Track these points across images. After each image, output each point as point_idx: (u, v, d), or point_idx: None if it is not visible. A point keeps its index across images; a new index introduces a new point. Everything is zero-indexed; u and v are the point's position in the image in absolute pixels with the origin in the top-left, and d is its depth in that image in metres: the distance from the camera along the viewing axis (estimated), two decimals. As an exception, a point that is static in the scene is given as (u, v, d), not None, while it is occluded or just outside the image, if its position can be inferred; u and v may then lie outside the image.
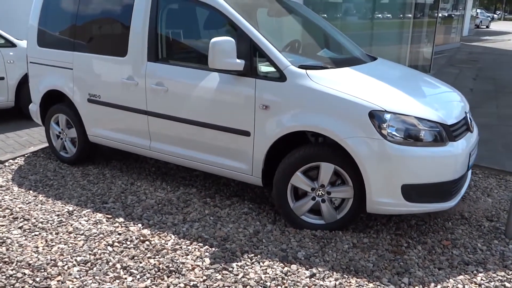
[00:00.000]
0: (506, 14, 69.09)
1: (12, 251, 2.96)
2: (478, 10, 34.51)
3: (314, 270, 2.71)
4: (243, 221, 3.38)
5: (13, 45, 6.22)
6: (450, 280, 2.64)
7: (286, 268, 2.74)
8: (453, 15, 17.33)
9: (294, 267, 2.76)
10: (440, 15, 10.97)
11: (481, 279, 2.66)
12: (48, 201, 3.76)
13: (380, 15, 8.47)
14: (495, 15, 53.78)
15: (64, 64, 4.35)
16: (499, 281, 2.65)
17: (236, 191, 3.98)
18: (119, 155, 4.89)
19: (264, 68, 3.25)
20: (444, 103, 3.28)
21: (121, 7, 3.93)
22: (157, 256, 2.88)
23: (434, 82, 3.71)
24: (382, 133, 2.85)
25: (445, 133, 2.95)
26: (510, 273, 2.72)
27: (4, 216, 3.46)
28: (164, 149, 3.83)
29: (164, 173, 4.42)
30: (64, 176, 4.33)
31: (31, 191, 3.97)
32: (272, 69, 3.19)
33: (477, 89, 8.96)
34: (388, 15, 9.20)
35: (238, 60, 3.17)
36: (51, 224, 3.34)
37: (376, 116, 2.87)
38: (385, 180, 2.88)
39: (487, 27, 36.23)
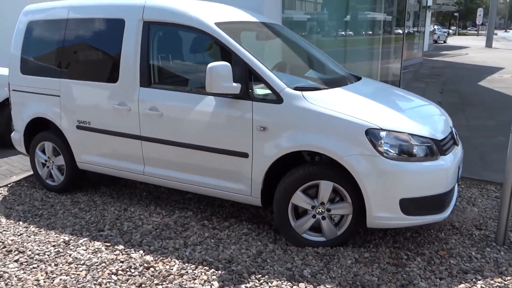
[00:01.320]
0: (460, 29, 72.66)
1: (12, 285, 2.88)
2: (435, 26, 36.16)
3: (322, 287, 2.77)
4: (244, 242, 3.40)
5: (-12, 72, 6.06)
6: (453, 289, 2.76)
7: (295, 287, 2.78)
8: (415, 31, 18.10)
9: (302, 285, 2.81)
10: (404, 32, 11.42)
11: (481, 287, 2.79)
12: (40, 231, 3.67)
13: (351, 33, 8.77)
14: (450, 31, 56.43)
15: (51, 91, 4.30)
16: (497, 287, 2.79)
17: (232, 212, 4.00)
18: (108, 181, 4.83)
19: (259, 90, 3.34)
20: (431, 119, 3.45)
21: (110, 33, 3.94)
22: (164, 283, 2.86)
23: (419, 99, 3.90)
24: (379, 150, 2.98)
25: (436, 148, 3.11)
26: (506, 279, 2.86)
27: (-3, 250, 3.36)
28: (159, 173, 3.83)
29: (156, 197, 4.40)
30: (53, 205, 4.23)
31: (20, 222, 3.87)
32: (268, 91, 3.28)
33: (445, 102, 9.37)
34: (359, 33, 9.53)
35: (234, 84, 3.25)
36: (48, 255, 3.26)
37: (372, 134, 3.00)
38: (383, 195, 3.00)
39: (445, 42, 37.95)
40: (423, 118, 3.37)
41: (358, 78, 4.18)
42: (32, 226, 3.78)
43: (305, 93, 3.22)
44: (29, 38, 4.50)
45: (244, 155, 3.37)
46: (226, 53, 3.42)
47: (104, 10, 4.01)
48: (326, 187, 3.15)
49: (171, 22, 3.66)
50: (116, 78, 3.87)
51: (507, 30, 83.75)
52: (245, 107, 3.31)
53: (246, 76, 3.32)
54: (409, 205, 3.02)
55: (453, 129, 3.55)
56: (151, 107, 3.70)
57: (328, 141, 3.06)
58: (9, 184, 4.82)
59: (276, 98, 3.23)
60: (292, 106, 3.18)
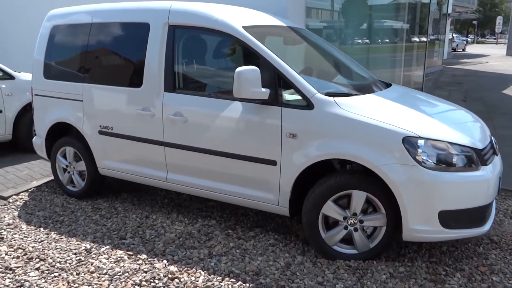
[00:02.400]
0: (478, 37, 71.74)
1: (34, 295, 2.78)
2: (454, 34, 35.72)
3: (357, 304, 2.61)
4: (271, 253, 3.27)
5: (11, 77, 6.07)
6: (498, 308, 2.58)
7: (328, 303, 2.63)
8: (435, 39, 17.83)
9: (335, 301, 2.65)
10: (423, 39, 11.23)
11: (528, 306, 2.60)
12: (61, 238, 3.59)
13: (375, 40, 8.64)
14: (468, 39, 55.74)
15: (73, 96, 4.24)
16: (546, 307, 2.60)
17: (257, 221, 3.87)
18: (128, 187, 4.74)
19: (289, 96, 3.22)
20: (470, 127, 3.29)
21: (135, 37, 3.88)
22: (190, 295, 2.74)
23: (453, 106, 3.74)
24: (417, 159, 2.82)
25: (477, 157, 2.94)
26: (556, 298, 2.67)
27: (18, 257, 3.28)
28: (183, 181, 3.72)
29: (178, 204, 4.29)
30: (73, 211, 4.15)
31: (41, 228, 3.79)
32: (298, 97, 3.15)
33: (470, 110, 9.10)
34: (384, 40, 9.38)
35: (263, 89, 3.13)
36: (69, 263, 3.17)
37: (409, 142, 2.84)
38: (422, 207, 2.83)
39: (463, 50, 37.43)
40: (461, 126, 3.21)
41: (388, 85, 4.03)
42: (53, 232, 3.70)
43: (337, 99, 3.09)
44: (52, 42, 4.46)
45: (272, 162, 3.24)
46: (254, 58, 3.31)
47: (128, 14, 3.95)
48: (359, 198, 3.00)
49: (197, 26, 3.57)
50: (140, 83, 3.79)
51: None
52: (274, 113, 3.19)
53: (275, 81, 3.20)
54: (448, 218, 2.85)
55: (492, 138, 3.38)
56: (175, 112, 3.60)
57: (362, 149, 2.92)
58: (30, 189, 4.77)
59: (307, 104, 3.10)
60: (323, 113, 3.05)
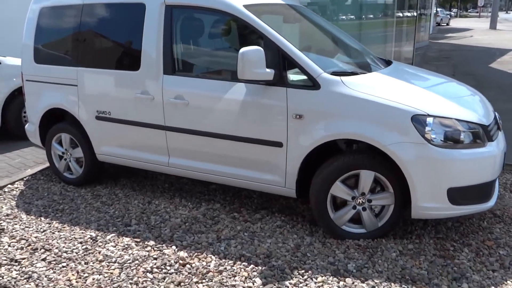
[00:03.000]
0: (461, 11, 71.90)
1: (43, 287, 2.74)
2: (438, 9, 35.70)
3: (371, 283, 2.63)
4: (279, 235, 3.26)
5: (-4, 62, 5.87)
6: (508, 281, 2.63)
7: (342, 283, 2.65)
8: (422, 14, 17.79)
9: (349, 280, 2.67)
10: (411, 14, 11.20)
11: (537, 278, 2.66)
12: (64, 227, 3.53)
13: (365, 16, 8.56)
14: (452, 13, 55.83)
15: (67, 81, 4.11)
16: (554, 279, 2.65)
17: (261, 203, 3.86)
18: (127, 172, 4.67)
19: (294, 76, 3.16)
20: (476, 103, 3.29)
21: (130, 18, 3.75)
22: (204, 280, 2.72)
23: (457, 83, 3.72)
24: (426, 137, 2.81)
25: (484, 134, 2.94)
26: None
27: (22, 248, 3.21)
28: (185, 165, 3.67)
29: (179, 189, 4.24)
30: (73, 199, 4.08)
31: (42, 218, 3.72)
32: (303, 77, 3.10)
33: (460, 85, 9.16)
34: (368, 16, 9.30)
35: (268, 70, 3.07)
36: (76, 253, 3.12)
37: (418, 120, 2.83)
38: (431, 184, 2.84)
39: (448, 24, 37.52)
40: (467, 103, 3.21)
41: (387, 62, 3.99)
42: (54, 221, 3.63)
43: (343, 78, 3.05)
44: (41, 26, 4.29)
45: (278, 144, 3.20)
46: (257, 37, 3.23)
47: (122, -6, 3.80)
48: (367, 177, 3.00)
49: (196, 6, 3.46)
50: (138, 65, 3.69)
51: (508, 12, 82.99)
52: (279, 94, 3.14)
53: (280, 61, 3.13)
54: (457, 195, 2.86)
55: (496, 113, 3.39)
56: (176, 95, 3.52)
57: (370, 128, 2.90)
58: (25, 177, 4.66)
59: (313, 84, 3.06)
60: (330, 92, 3.01)
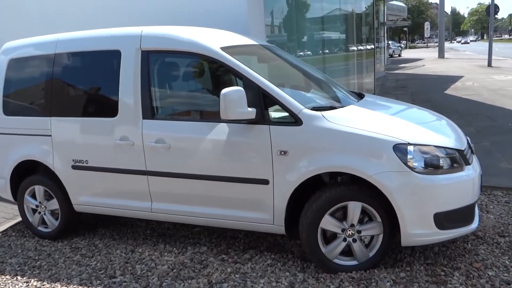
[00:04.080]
0: (409, 43, 75.99)
1: None
2: (389, 41, 37.57)
3: (371, 315, 2.62)
4: (271, 274, 3.22)
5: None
6: (502, 302, 2.68)
7: (342, 318, 2.62)
8: (376, 47, 18.67)
9: (349, 315, 2.65)
10: (369, 47, 11.76)
11: (528, 296, 2.72)
12: (44, 285, 3.34)
13: (327, 50, 8.88)
14: (402, 45, 58.88)
15: (40, 131, 4.00)
16: (543, 295, 2.73)
17: (248, 242, 3.81)
18: (105, 222, 4.51)
19: (275, 113, 3.22)
20: (449, 129, 3.43)
21: (105, 65, 3.74)
22: (201, 329, 2.62)
23: (428, 112, 3.89)
24: (408, 165, 2.90)
25: (461, 158, 3.07)
26: (550, 285, 2.82)
27: (0, 312, 3.01)
28: (169, 209, 3.60)
29: (162, 234, 4.13)
30: (50, 254, 3.89)
31: (18, 277, 3.51)
32: (284, 114, 3.16)
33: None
34: (325, 51, 9.63)
35: (249, 109, 3.11)
36: (60, 312, 2.95)
37: (400, 150, 2.92)
38: (418, 211, 2.91)
39: (399, 55, 39.44)
40: (441, 130, 3.35)
41: (359, 94, 4.14)
42: (32, 279, 3.44)
43: (323, 112, 3.13)
44: (11, 77, 4.20)
45: (265, 182, 3.21)
46: (236, 78, 3.29)
47: (96, 42, 3.80)
48: (355, 208, 3.04)
49: (173, 50, 3.51)
50: (115, 112, 3.65)
51: (452, 41, 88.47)
52: (262, 132, 3.17)
53: (260, 99, 3.19)
54: (442, 219, 2.94)
55: (468, 138, 3.55)
56: (157, 139, 3.49)
57: (355, 160, 2.96)
58: (-5, 235, 4.42)
59: (295, 120, 3.12)
60: (313, 127, 3.07)
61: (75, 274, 3.46)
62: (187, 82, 3.72)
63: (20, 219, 4.48)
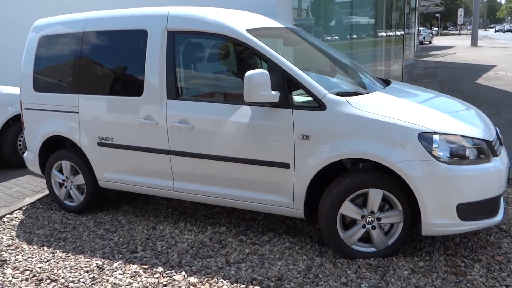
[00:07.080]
0: (441, 29, 73.75)
1: (53, 319, 2.67)
2: (420, 28, 36.60)
3: (387, 302, 2.62)
4: (288, 256, 3.24)
5: (-9, 90, 5.83)
6: (523, 296, 2.64)
7: (358, 303, 2.63)
8: (406, 33, 18.21)
9: (365, 301, 2.65)
10: (399, 33, 11.46)
11: (550, 292, 2.67)
12: (69, 256, 3.46)
13: (355, 35, 8.72)
14: (433, 31, 57.23)
15: (68, 108, 4.10)
16: None
17: (267, 225, 3.84)
18: (128, 198, 4.62)
19: (299, 98, 3.20)
20: (477, 120, 3.34)
21: (132, 44, 3.77)
22: (218, 306, 2.68)
23: (457, 101, 3.80)
24: (433, 155, 2.85)
25: (488, 149, 2.99)
26: None
27: (27, 279, 3.14)
28: (190, 189, 3.65)
29: (183, 213, 4.21)
30: (75, 227, 4.02)
31: (45, 247, 3.65)
32: (308, 98, 3.14)
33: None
34: (353, 36, 9.46)
35: (273, 92, 3.10)
36: (83, 282, 3.06)
37: (425, 138, 2.87)
38: (440, 201, 2.87)
39: (430, 42, 38.39)
40: (469, 119, 3.26)
41: (386, 81, 4.07)
42: (58, 251, 3.56)
43: (348, 98, 3.09)
44: (41, 54, 4.30)
45: (285, 165, 3.21)
46: (261, 61, 3.27)
47: (124, 21, 3.84)
48: (375, 195, 3.02)
49: (199, 31, 3.51)
50: (141, 91, 3.70)
51: (486, 29, 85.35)
52: (285, 116, 3.17)
53: (285, 83, 3.17)
54: (466, 210, 2.89)
55: (497, 129, 3.45)
56: (180, 119, 3.53)
57: (378, 147, 2.93)
58: (23, 207, 4.58)
59: (319, 105, 3.09)
60: (336, 113, 3.05)
61: (98, 247, 3.57)
62: (212, 64, 3.72)
63: (47, 192, 4.63)
